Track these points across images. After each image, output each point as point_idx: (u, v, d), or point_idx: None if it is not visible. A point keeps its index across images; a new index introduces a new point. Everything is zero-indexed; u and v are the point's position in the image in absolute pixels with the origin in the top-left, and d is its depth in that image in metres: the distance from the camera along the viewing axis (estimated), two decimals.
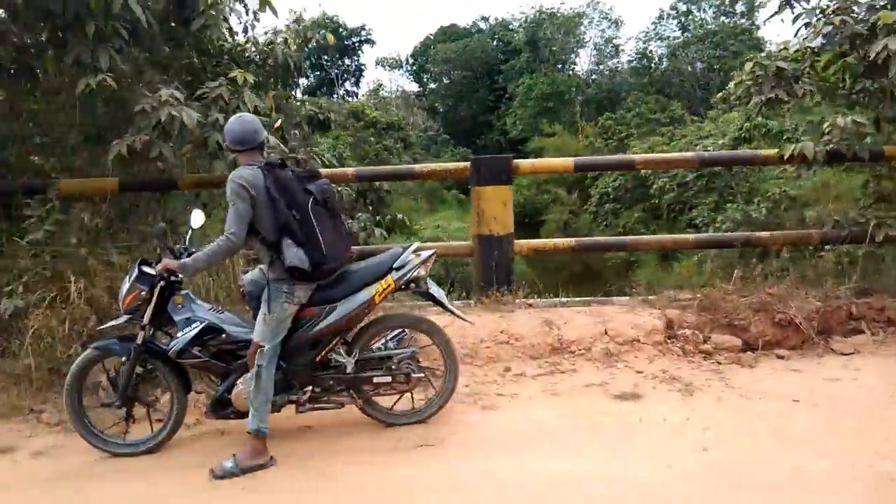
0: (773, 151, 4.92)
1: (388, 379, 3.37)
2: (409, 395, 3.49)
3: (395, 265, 3.29)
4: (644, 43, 33.79)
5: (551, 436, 3.21)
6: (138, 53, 4.66)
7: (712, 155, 5.79)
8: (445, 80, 38.53)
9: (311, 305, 3.23)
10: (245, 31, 5.57)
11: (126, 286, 3.34)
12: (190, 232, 3.62)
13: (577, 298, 4.83)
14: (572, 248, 4.89)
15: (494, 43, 38.06)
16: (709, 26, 31.31)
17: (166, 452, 3.40)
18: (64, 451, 3.54)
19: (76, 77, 4.35)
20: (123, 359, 3.35)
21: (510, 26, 38.28)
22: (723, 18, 31.39)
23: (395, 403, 3.54)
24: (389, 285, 3.26)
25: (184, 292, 3.37)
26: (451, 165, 5.11)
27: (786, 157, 4.66)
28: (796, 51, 4.97)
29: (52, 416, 3.96)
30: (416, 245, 3.49)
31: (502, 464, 3.00)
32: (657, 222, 21.28)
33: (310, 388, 3.36)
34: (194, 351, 3.25)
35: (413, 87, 41.72)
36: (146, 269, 3.37)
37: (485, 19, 40.48)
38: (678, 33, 32.84)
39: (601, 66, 35.21)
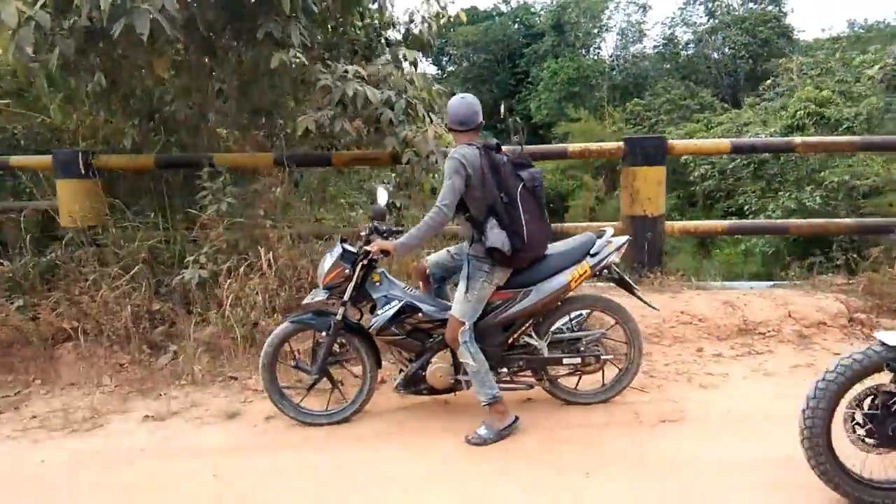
0: None
1: (578, 360, 3.42)
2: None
3: (591, 251, 3.34)
4: (670, 28, 33.68)
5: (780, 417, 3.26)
6: (312, 30, 4.71)
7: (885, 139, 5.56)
8: (465, 63, 38.39)
9: (506, 288, 3.29)
10: (380, 10, 5.65)
11: (328, 263, 3.41)
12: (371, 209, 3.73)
13: (735, 283, 4.92)
14: (724, 230, 4.98)
15: (516, 26, 37.90)
16: (736, 12, 31.17)
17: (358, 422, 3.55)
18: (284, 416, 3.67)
19: (257, 56, 4.43)
20: (323, 333, 3.45)
21: (532, 10, 38.10)
22: (750, 5, 31.23)
23: (577, 383, 3.61)
24: (585, 271, 3.31)
25: (380, 270, 3.45)
26: (606, 145, 5.18)
27: None
28: None
29: (258, 382, 4.09)
30: (610, 232, 3.53)
31: (748, 442, 3.08)
32: (692, 209, 21.42)
33: (504, 369, 3.44)
34: (392, 328, 3.35)
35: (432, 69, 41.56)
36: (348, 247, 3.46)
37: (506, 2, 40.28)
38: (705, 19, 32.69)
39: (624, 52, 35.08)
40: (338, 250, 3.39)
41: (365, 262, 3.32)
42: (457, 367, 3.34)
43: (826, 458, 2.45)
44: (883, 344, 2.39)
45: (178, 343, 4.47)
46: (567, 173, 25.78)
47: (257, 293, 4.30)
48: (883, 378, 2.43)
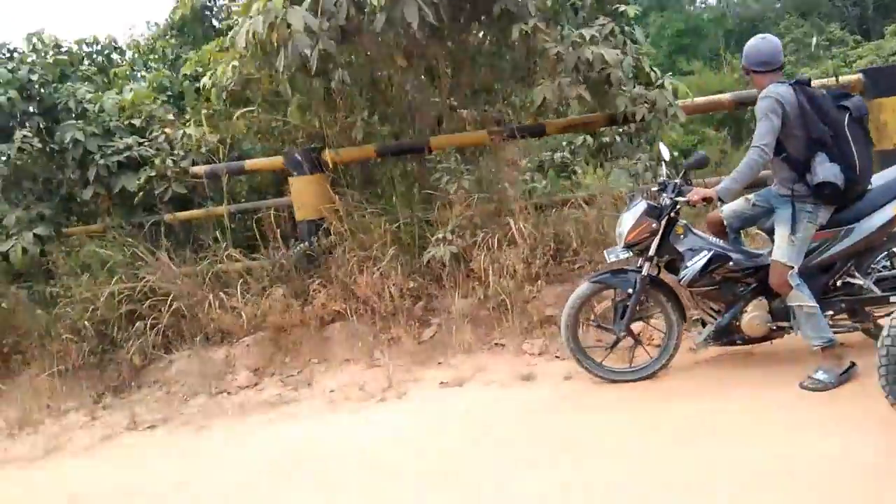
0: None
1: None
2: None
3: None
4: None
5: None
6: None
7: None
8: None
9: (826, 228, 3.19)
10: None
11: (631, 220, 3.43)
12: (663, 165, 3.72)
13: None
14: None
15: None
16: None
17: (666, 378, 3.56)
18: (582, 375, 3.77)
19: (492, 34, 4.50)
20: (628, 290, 3.48)
21: None
22: None
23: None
24: None
25: (682, 223, 3.43)
26: (845, 78, 4.92)
27: None
28: None
29: (534, 347, 4.24)
30: None
31: None
32: None
33: (828, 313, 3.27)
34: (703, 280, 3.32)
35: None
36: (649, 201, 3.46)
37: None
38: None
39: None
40: (642, 206, 3.42)
41: (673, 214, 3.33)
42: (773, 314, 3.30)
43: None
44: None
45: (439, 316, 4.70)
46: (687, 128, 24.84)
47: (515, 263, 4.42)
48: None
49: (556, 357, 4.12)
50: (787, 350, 3.51)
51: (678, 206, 3.33)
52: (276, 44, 3.88)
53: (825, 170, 3.00)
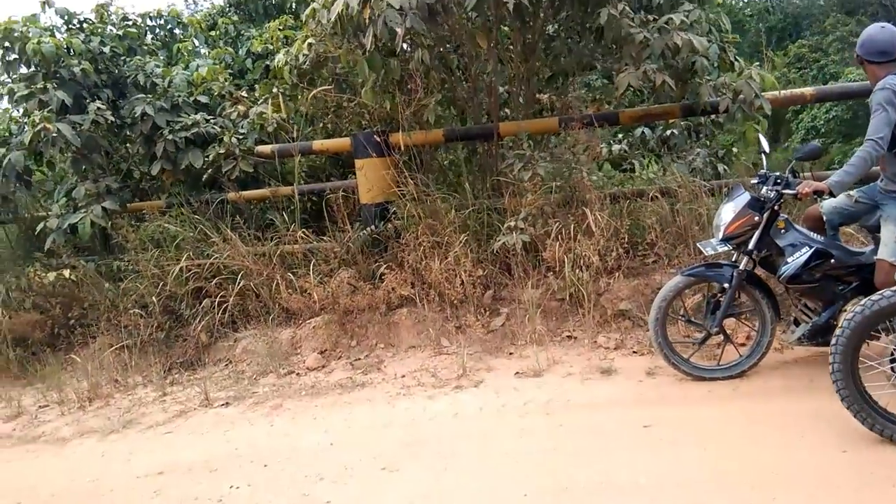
0: None
1: None
2: None
3: None
4: None
5: None
6: None
7: None
8: None
9: None
10: None
11: (732, 212, 3.34)
12: (764, 156, 3.62)
13: None
14: None
15: None
16: None
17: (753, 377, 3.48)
18: (664, 371, 3.69)
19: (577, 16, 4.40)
20: (724, 285, 3.40)
21: None
22: None
23: None
24: None
25: (783, 217, 3.34)
26: None
27: None
28: None
29: (609, 341, 4.17)
30: None
31: None
32: None
33: None
34: (803, 276, 3.23)
35: None
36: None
37: None
38: None
39: None
40: (745, 197, 3.33)
41: (776, 207, 3.24)
42: None
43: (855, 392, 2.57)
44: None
45: (507, 306, 4.64)
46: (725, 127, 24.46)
47: (590, 254, 4.34)
48: None
49: (634, 352, 4.05)
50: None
51: (782, 199, 3.23)
52: (367, 20, 3.82)
53: None
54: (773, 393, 3.29)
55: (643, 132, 7.08)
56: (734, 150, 7.82)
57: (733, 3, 30.17)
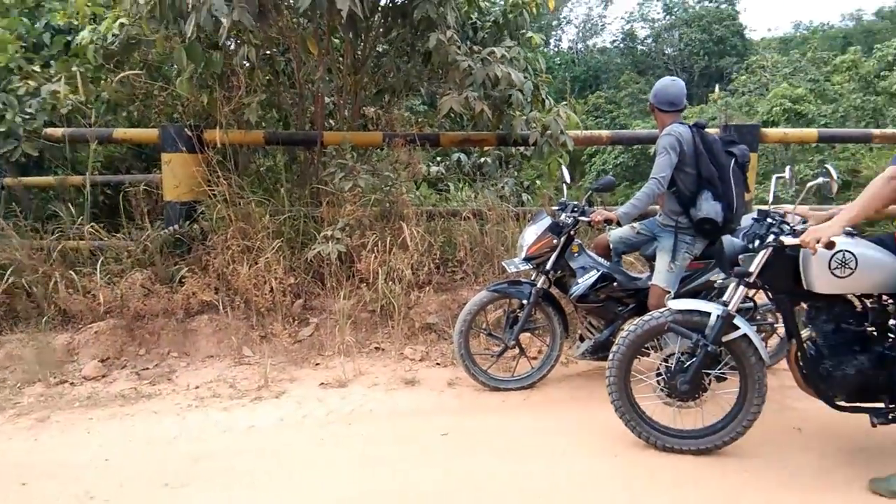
0: None
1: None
2: None
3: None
4: (629, 23, 34.73)
5: None
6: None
7: None
8: None
9: (698, 259, 3.55)
10: None
11: (535, 234, 3.59)
12: (565, 187, 3.95)
13: None
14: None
15: None
16: (692, 9, 32.45)
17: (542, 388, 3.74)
18: (463, 382, 3.84)
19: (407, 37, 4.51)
20: (524, 301, 3.62)
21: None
22: (706, 3, 32.57)
23: None
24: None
25: (577, 242, 3.66)
26: None
27: None
28: None
29: (416, 353, 4.24)
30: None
31: None
32: None
33: None
34: (590, 296, 3.57)
35: None
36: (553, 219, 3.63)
37: None
38: (662, 15, 33.91)
39: (583, 45, 35.96)
40: (546, 222, 3.57)
41: (572, 233, 3.52)
42: None
43: (624, 400, 2.90)
44: (669, 309, 2.82)
45: (318, 316, 4.55)
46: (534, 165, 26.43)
47: (404, 267, 4.41)
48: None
49: (437, 364, 4.16)
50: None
51: (578, 226, 3.53)
52: (191, 6, 3.57)
53: (709, 206, 3.33)
54: (559, 403, 3.55)
55: (459, 157, 7.42)
56: (538, 182, 8.43)
57: (545, 50, 32.91)
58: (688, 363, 2.80)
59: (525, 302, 3.59)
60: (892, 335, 2.61)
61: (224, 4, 3.60)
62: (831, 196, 2.79)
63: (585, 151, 22.59)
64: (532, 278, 3.68)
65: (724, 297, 2.82)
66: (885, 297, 2.64)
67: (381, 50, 5.16)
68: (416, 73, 5.02)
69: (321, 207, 4.72)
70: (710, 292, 3.58)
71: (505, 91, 4.68)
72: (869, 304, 2.66)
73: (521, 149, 5.82)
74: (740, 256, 2.69)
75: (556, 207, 3.71)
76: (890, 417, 2.67)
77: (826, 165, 2.68)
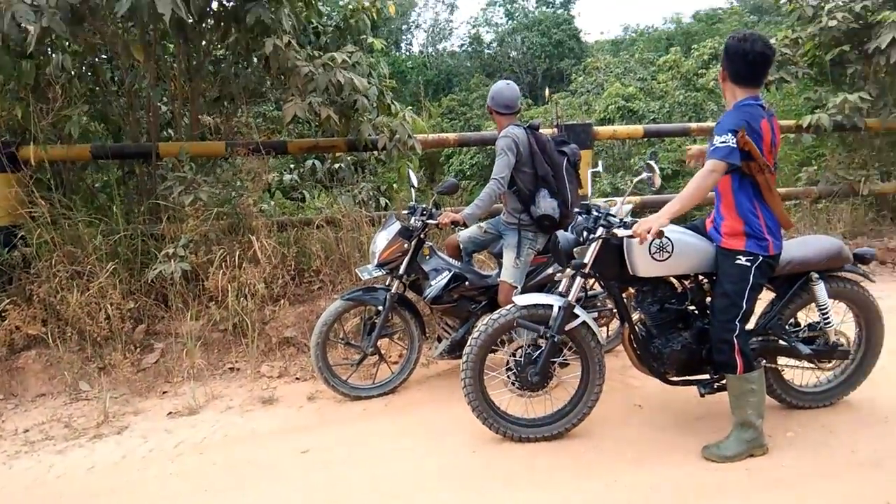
0: (793, 122, 6.09)
1: (596, 315, 3.73)
2: None
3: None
4: (474, 28, 35.82)
5: None
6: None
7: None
8: None
9: (540, 254, 3.72)
10: None
11: (385, 240, 3.60)
12: (413, 191, 4.00)
13: None
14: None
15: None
16: (532, 14, 34.09)
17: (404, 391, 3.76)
18: (324, 395, 3.77)
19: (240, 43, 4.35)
20: (379, 307, 3.62)
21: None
22: (544, 8, 34.33)
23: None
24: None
25: (428, 244, 3.71)
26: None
27: (804, 126, 5.92)
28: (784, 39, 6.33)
29: (273, 369, 4.10)
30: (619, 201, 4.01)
31: None
32: None
33: None
34: (444, 297, 3.64)
35: None
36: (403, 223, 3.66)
37: None
38: (505, 20, 35.29)
39: (433, 49, 36.64)
40: (396, 227, 3.58)
41: (422, 236, 3.56)
42: None
43: (479, 396, 2.96)
44: (515, 305, 2.92)
45: (163, 340, 4.27)
46: (387, 166, 26.60)
47: (256, 282, 4.25)
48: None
49: (297, 379, 4.05)
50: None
51: (427, 229, 3.58)
52: None
53: (546, 203, 3.51)
54: (420, 405, 3.58)
55: (314, 164, 7.29)
56: (395, 185, 8.47)
57: (398, 54, 33.21)
58: (535, 355, 2.93)
59: (381, 308, 3.59)
60: (709, 311, 2.87)
61: (30, 11, 3.26)
62: (654, 189, 3.02)
63: (443, 153, 23.13)
64: (386, 284, 3.68)
65: (560, 289, 2.99)
66: (700, 278, 2.92)
67: (218, 55, 4.94)
68: (256, 79, 4.85)
69: (161, 224, 4.43)
70: (555, 285, 3.78)
71: (350, 97, 4.65)
72: (688, 285, 2.92)
73: (376, 153, 5.81)
74: (575, 249, 2.85)
75: (406, 211, 3.74)
76: (715, 387, 2.95)
77: (649, 161, 2.89)
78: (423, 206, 3.70)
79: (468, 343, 2.94)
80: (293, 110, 4.40)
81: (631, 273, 2.84)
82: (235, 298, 4.22)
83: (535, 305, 2.90)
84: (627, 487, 2.65)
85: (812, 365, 3.01)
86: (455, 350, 3.71)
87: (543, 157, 3.53)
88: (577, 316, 2.89)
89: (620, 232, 2.69)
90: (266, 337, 4.32)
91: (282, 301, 4.38)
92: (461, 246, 3.86)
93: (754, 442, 2.76)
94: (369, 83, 4.80)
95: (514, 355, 3.00)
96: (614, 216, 2.89)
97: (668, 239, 2.75)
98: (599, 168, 3.46)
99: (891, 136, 6.42)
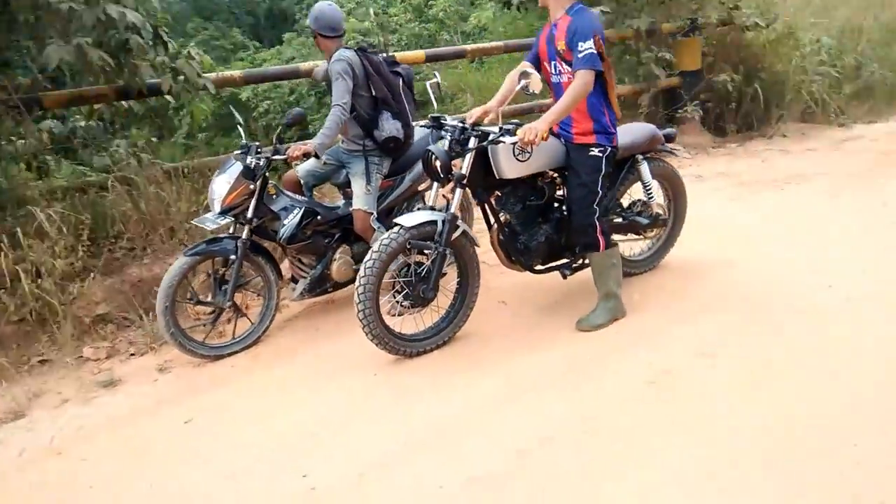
0: None
1: None
2: None
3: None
4: None
5: None
6: None
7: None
8: None
9: (387, 178, 3.69)
10: None
11: (227, 184, 3.28)
12: (241, 128, 3.67)
13: None
14: None
15: None
16: None
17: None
18: (178, 362, 3.43)
19: None
20: (232, 256, 3.33)
21: None
22: None
23: None
24: None
25: (272, 183, 3.48)
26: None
27: None
28: None
29: (100, 351, 3.59)
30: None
31: None
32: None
33: None
34: (299, 235, 3.47)
35: None
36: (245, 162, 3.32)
37: None
38: None
39: None
40: (237, 168, 3.27)
41: (266, 174, 3.32)
42: (355, 257, 3.66)
43: (376, 322, 2.92)
44: (402, 227, 2.92)
45: None
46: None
47: (52, 258, 3.61)
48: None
49: (132, 355, 3.61)
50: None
51: (270, 166, 3.34)
52: None
53: (390, 126, 3.48)
54: (291, 349, 3.43)
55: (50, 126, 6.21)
56: (154, 140, 7.63)
57: None
58: (424, 271, 2.99)
59: (233, 257, 3.31)
60: (569, 202, 3.16)
61: None
62: (535, 93, 2.95)
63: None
64: (231, 231, 3.40)
65: (430, 203, 3.07)
66: (552, 173, 3.20)
67: None
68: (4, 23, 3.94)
69: None
70: (403, 206, 3.83)
71: (121, 35, 4.03)
72: (545, 182, 3.18)
73: (129, 105, 5.11)
74: (454, 162, 2.92)
75: (239, 151, 3.44)
76: (574, 268, 3.31)
77: (525, 70, 2.95)
78: (258, 143, 3.44)
79: (361, 273, 2.87)
80: (58, 54, 3.70)
81: (497, 177, 3.00)
82: (29, 281, 3.55)
83: (420, 224, 2.92)
84: (524, 373, 2.88)
85: (639, 236, 3.51)
86: (316, 287, 3.60)
87: (380, 78, 3.48)
88: (458, 227, 2.99)
89: (508, 139, 2.80)
90: (76, 319, 3.73)
91: (88, 276, 3.78)
92: (302, 181, 3.68)
93: (617, 309, 3.18)
94: (143, 18, 4.21)
95: (397, 275, 3.01)
96: (482, 127, 2.99)
97: None
98: (438, 78, 3.50)
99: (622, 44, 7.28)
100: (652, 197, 3.43)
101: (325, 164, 3.68)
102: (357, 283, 2.87)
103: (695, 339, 2.97)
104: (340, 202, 3.75)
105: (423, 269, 3.00)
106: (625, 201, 3.52)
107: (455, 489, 2.19)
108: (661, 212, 3.47)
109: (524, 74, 2.93)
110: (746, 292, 3.39)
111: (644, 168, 3.38)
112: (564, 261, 3.32)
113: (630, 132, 3.31)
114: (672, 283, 3.60)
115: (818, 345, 2.82)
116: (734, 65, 7.17)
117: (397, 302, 3.05)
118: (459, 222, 3.00)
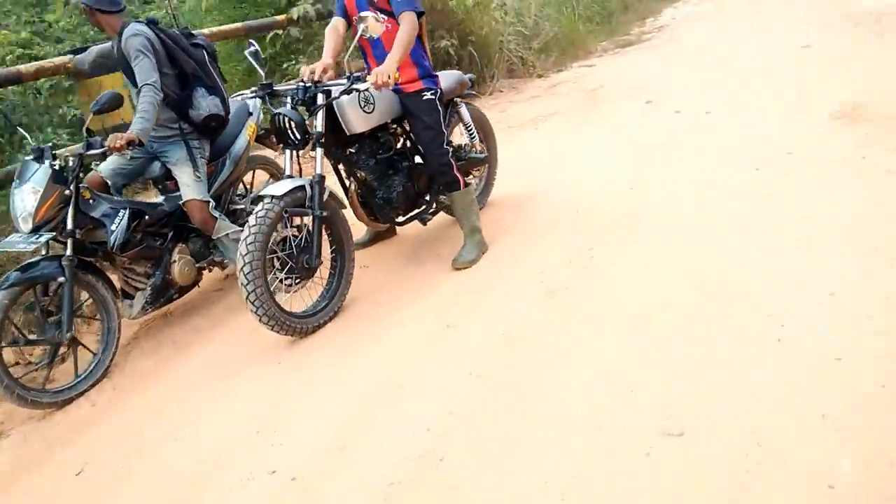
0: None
1: None
2: None
3: (250, 111, 3.61)
4: None
5: None
6: None
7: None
8: None
9: (209, 162, 3.34)
10: None
11: (36, 193, 2.73)
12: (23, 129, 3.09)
13: None
14: None
15: None
16: None
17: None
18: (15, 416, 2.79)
19: None
20: (60, 279, 2.78)
21: None
22: None
23: None
24: (253, 128, 3.58)
25: (84, 186, 2.97)
26: None
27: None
28: None
29: None
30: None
31: None
32: None
33: None
34: (130, 241, 3.03)
35: None
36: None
37: None
38: None
39: None
40: (46, 172, 2.70)
41: (81, 175, 2.79)
42: (195, 255, 3.31)
43: (269, 303, 2.69)
44: (273, 197, 2.75)
45: None
46: None
47: None
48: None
49: None
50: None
51: (84, 164, 2.83)
52: None
53: (208, 102, 3.17)
54: (152, 373, 3.00)
55: None
56: None
57: None
58: (302, 241, 2.85)
59: (62, 279, 2.76)
60: (420, 147, 3.22)
61: None
62: (376, 36, 2.90)
63: None
64: (45, 253, 2.82)
65: (288, 171, 2.92)
66: (393, 126, 3.26)
67: None
68: None
69: None
70: (230, 194, 3.55)
71: None
72: (388, 134, 3.23)
73: None
74: (306, 122, 2.81)
75: (32, 157, 2.84)
76: (431, 213, 3.43)
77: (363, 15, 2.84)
78: (50, 144, 2.89)
79: (242, 254, 2.62)
80: None
81: (347, 133, 2.97)
82: None
83: (291, 191, 2.77)
84: (423, 317, 2.90)
85: (469, 175, 3.74)
86: (159, 297, 3.18)
87: (182, 52, 3.15)
88: (326, 188, 2.90)
89: (361, 85, 2.77)
90: None
91: None
92: (109, 182, 3.17)
93: (482, 242, 3.35)
94: None
95: (276, 250, 2.82)
96: (310, 84, 2.89)
97: (369, 91, 2.95)
98: (256, 46, 3.25)
99: None
100: (474, 137, 3.68)
101: (131, 158, 3.22)
102: (240, 266, 2.63)
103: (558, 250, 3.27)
104: (161, 197, 3.32)
105: (300, 240, 2.86)
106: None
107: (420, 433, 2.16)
108: (482, 150, 3.75)
109: (361, 19, 2.84)
110: (568, 210, 3.79)
111: (463, 110, 3.59)
112: (422, 208, 3.42)
113: (445, 78, 3.47)
114: (504, 215, 3.88)
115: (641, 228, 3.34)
116: (449, 30, 7.86)
117: (280, 280, 2.86)
118: (326, 184, 2.92)
